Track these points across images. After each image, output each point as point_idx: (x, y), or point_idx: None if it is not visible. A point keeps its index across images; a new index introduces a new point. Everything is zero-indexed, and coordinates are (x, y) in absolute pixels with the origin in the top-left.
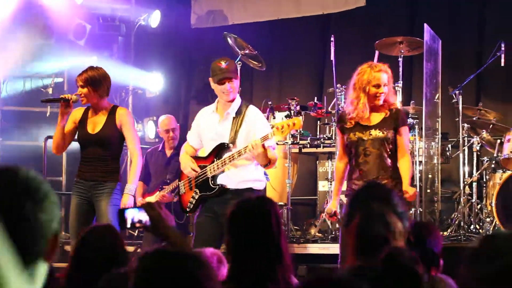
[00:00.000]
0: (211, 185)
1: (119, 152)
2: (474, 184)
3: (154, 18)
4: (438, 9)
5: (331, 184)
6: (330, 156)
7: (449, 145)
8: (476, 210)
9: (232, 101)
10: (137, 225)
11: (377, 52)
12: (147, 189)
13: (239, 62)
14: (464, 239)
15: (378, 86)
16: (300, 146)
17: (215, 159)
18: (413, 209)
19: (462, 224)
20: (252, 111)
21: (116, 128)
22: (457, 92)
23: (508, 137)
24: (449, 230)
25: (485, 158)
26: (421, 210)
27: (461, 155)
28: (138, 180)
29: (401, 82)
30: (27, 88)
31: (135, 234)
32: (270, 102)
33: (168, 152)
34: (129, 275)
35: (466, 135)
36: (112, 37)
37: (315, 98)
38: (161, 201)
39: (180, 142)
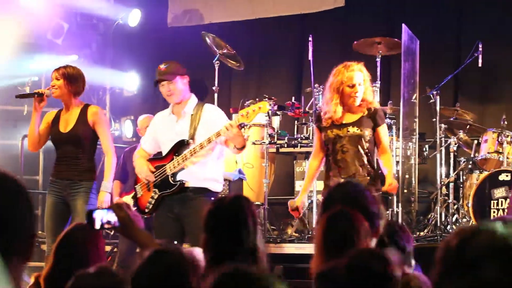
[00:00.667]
0: (172, 182)
1: (93, 150)
2: (451, 185)
3: (132, 17)
4: (416, 9)
5: None
6: (307, 156)
7: (426, 146)
8: (453, 211)
9: (181, 102)
10: (106, 226)
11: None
12: (124, 188)
13: (217, 62)
14: (440, 239)
15: (352, 86)
16: (277, 145)
17: (174, 157)
18: (390, 209)
19: (438, 225)
20: (210, 107)
21: (88, 126)
22: (434, 92)
23: (485, 138)
24: (425, 231)
25: (462, 159)
26: (398, 210)
27: (438, 155)
28: (113, 177)
29: (379, 82)
30: (3, 87)
31: (111, 234)
32: (247, 102)
33: None
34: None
35: (443, 136)
36: (90, 36)
37: (293, 98)
38: None
39: None
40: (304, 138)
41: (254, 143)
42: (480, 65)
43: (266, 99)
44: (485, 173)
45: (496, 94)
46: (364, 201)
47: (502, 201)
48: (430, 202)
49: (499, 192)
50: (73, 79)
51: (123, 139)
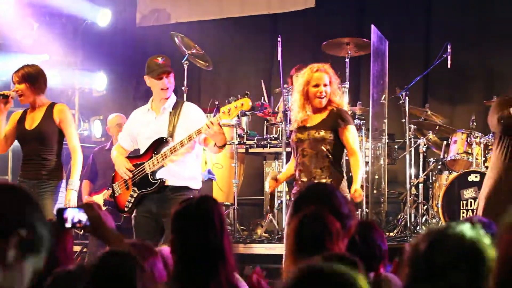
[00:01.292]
0: (151, 180)
1: (59, 149)
2: (421, 185)
3: (102, 17)
4: (385, 10)
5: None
6: (277, 156)
7: (396, 146)
8: (422, 211)
9: (168, 98)
10: (77, 225)
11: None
12: (94, 188)
13: (186, 62)
14: (410, 240)
15: (317, 85)
16: (246, 146)
17: (153, 155)
18: (359, 210)
19: (408, 225)
20: (189, 105)
21: (54, 124)
22: (404, 93)
23: (455, 139)
24: (395, 231)
25: (432, 160)
26: (368, 211)
27: (407, 156)
28: (79, 174)
29: (348, 83)
30: None
31: (81, 234)
32: (217, 102)
33: None
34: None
35: (412, 136)
36: (59, 36)
37: (262, 98)
38: (109, 200)
39: None
40: (273, 138)
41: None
42: (449, 66)
43: (248, 96)
44: (455, 174)
45: (465, 95)
46: (335, 202)
47: (471, 202)
48: (400, 203)
49: (469, 193)
50: (33, 79)
51: (93, 139)
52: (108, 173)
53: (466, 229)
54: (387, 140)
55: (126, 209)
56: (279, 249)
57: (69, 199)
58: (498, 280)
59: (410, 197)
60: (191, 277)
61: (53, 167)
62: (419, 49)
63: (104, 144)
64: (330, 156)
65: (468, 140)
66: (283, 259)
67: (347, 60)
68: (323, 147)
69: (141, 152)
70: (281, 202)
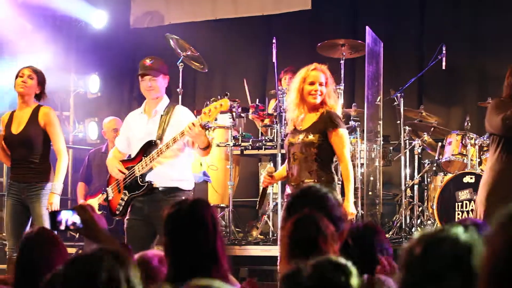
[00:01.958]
0: (140, 183)
1: (46, 151)
2: (416, 187)
3: (97, 19)
4: (380, 12)
5: (273, 186)
6: (272, 158)
7: (391, 148)
8: (418, 213)
9: (157, 99)
10: (71, 227)
11: None
12: (89, 191)
13: (181, 64)
14: (405, 242)
15: (312, 83)
16: (242, 148)
17: (143, 157)
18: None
19: (403, 227)
20: (180, 109)
21: (39, 127)
22: (398, 94)
23: (449, 140)
24: (390, 233)
25: (427, 161)
26: (363, 212)
27: (402, 157)
28: (63, 178)
29: (343, 84)
30: None
31: (76, 236)
32: (210, 101)
33: None
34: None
35: (407, 138)
36: (53, 38)
37: (257, 100)
38: (104, 204)
39: None
40: (268, 140)
41: (218, 145)
42: (444, 67)
43: (227, 96)
44: (450, 175)
45: (460, 97)
46: (328, 205)
47: (466, 203)
48: (395, 204)
49: (464, 194)
50: (42, 79)
51: (88, 141)
52: (103, 175)
53: (460, 232)
54: (382, 142)
55: (117, 212)
56: (274, 251)
57: (51, 202)
58: (485, 281)
59: (405, 198)
60: (185, 280)
61: (41, 169)
62: (414, 50)
63: (100, 146)
64: (319, 160)
65: (463, 142)
66: (278, 261)
67: (342, 61)
68: (312, 151)
69: (133, 155)
70: (276, 204)
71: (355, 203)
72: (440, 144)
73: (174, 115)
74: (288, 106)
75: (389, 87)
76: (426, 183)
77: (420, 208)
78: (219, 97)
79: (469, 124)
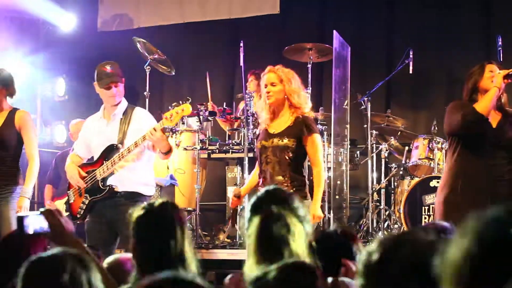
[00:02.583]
0: (101, 187)
1: (18, 154)
2: (383, 191)
3: (66, 22)
4: (347, 16)
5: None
6: (239, 161)
7: (358, 152)
8: (384, 217)
9: (118, 104)
10: (38, 232)
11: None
12: (56, 193)
13: (148, 67)
14: (363, 250)
15: (265, 86)
16: (209, 151)
17: (104, 161)
18: None
19: (370, 231)
20: (139, 111)
21: (15, 130)
22: (366, 98)
23: (416, 144)
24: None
25: (393, 165)
26: (330, 216)
27: (369, 161)
28: (34, 182)
29: (310, 88)
30: None
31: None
32: (172, 105)
33: None
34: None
35: (374, 142)
36: (20, 39)
37: (224, 103)
38: None
39: None
40: (235, 144)
41: (185, 149)
42: (411, 72)
43: (189, 101)
44: (416, 179)
45: (427, 101)
46: (294, 205)
47: (433, 207)
48: (362, 208)
49: (430, 198)
50: (6, 83)
51: (54, 144)
52: None
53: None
54: (349, 146)
55: (78, 216)
56: (241, 254)
57: (21, 206)
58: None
59: (372, 202)
60: None
61: (10, 172)
62: (381, 54)
63: (67, 149)
64: (293, 164)
65: (430, 146)
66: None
67: (309, 65)
68: (285, 155)
69: (94, 159)
70: (243, 208)
71: (322, 207)
72: (407, 148)
73: (133, 117)
74: (258, 109)
75: (357, 91)
76: (393, 187)
77: (387, 212)
78: (181, 102)
79: (436, 128)
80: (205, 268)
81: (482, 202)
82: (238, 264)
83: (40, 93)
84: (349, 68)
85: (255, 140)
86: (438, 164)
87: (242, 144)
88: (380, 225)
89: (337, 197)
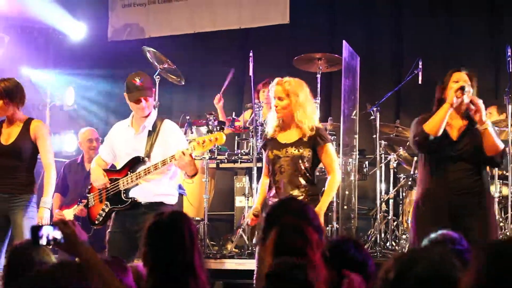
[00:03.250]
0: (123, 198)
1: (33, 164)
2: (391, 201)
3: (76, 31)
4: (357, 27)
5: (248, 200)
6: (247, 171)
7: (366, 162)
8: (392, 227)
9: (148, 115)
10: (52, 242)
11: None
12: (64, 202)
13: (157, 77)
14: (380, 256)
15: (274, 98)
16: (217, 161)
17: (129, 172)
18: (329, 226)
19: (378, 241)
20: (168, 125)
21: (30, 140)
22: (375, 109)
23: None
24: (365, 247)
25: (402, 175)
26: (338, 226)
27: (378, 172)
28: (53, 193)
29: (319, 98)
30: None
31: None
32: (188, 117)
33: (87, 166)
34: None
35: (383, 152)
36: (30, 49)
37: (233, 113)
38: (79, 214)
39: None
40: (244, 153)
41: (194, 158)
42: (420, 82)
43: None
44: None
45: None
46: (310, 215)
47: None
48: (370, 219)
49: None
50: (12, 94)
51: (63, 153)
52: (79, 186)
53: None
54: (357, 156)
55: (96, 222)
56: (249, 264)
57: (41, 217)
58: None
59: (380, 213)
60: None
61: (25, 182)
62: (391, 65)
63: (75, 158)
64: (307, 174)
65: None
66: (255, 275)
67: (318, 75)
68: (301, 165)
69: (118, 167)
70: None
71: (331, 217)
72: (415, 158)
73: (161, 130)
74: (267, 119)
75: (366, 101)
76: (401, 197)
77: (395, 223)
78: (215, 130)
79: None
80: (213, 278)
81: (439, 219)
82: (246, 274)
83: (49, 102)
84: (358, 78)
85: (263, 150)
86: None
87: (251, 154)
88: (388, 236)
89: (345, 207)
